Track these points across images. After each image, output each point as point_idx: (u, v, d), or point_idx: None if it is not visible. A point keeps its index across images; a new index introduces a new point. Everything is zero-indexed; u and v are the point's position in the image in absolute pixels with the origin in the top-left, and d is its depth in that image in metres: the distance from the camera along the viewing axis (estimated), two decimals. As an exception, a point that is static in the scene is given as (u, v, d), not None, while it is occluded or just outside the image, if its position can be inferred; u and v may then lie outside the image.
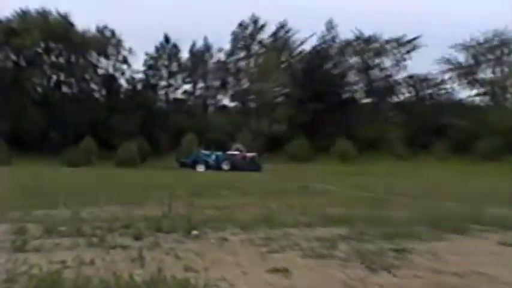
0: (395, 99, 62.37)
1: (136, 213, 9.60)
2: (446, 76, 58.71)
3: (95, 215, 9.13)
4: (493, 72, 57.11)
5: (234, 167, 39.08)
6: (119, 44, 63.79)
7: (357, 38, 62.12)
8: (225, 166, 39.82)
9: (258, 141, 52.42)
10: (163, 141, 57.08)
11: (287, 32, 66.36)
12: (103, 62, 64.24)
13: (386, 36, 60.64)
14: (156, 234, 6.94)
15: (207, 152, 42.58)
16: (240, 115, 61.34)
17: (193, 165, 40.36)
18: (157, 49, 66.32)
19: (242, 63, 67.84)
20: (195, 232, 7.18)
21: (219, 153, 42.13)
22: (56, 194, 11.57)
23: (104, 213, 9.39)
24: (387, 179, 28.92)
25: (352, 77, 63.79)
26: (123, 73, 65.19)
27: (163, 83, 66.97)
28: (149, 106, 62.85)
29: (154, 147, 55.02)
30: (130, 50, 63.87)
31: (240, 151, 42.09)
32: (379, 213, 9.80)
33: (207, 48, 68.04)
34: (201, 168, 39.85)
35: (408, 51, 60.47)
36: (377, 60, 61.93)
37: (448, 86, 59.20)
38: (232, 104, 67.83)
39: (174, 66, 67.12)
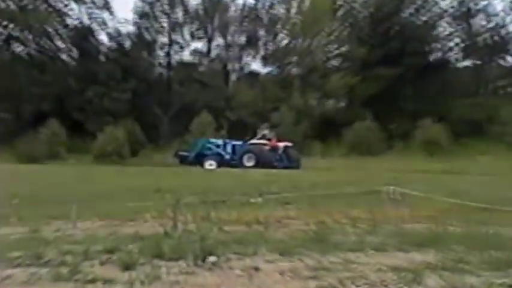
0: (509, 60, 61.29)
1: (126, 231, 9.59)
2: None
3: (64, 235, 9.08)
4: None
5: (260, 163, 37.89)
6: (96, -19, 63.61)
7: (452, -31, 60.94)
8: (247, 161, 38.86)
9: (304, 125, 52.53)
10: (164, 125, 57.90)
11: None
12: (74, 8, 64.43)
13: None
14: (154, 262, 6.79)
15: (218, 141, 42.29)
16: (276, 86, 60.79)
17: (198, 161, 39.90)
18: (153, -11, 66.26)
19: (279, 10, 67.49)
20: (211, 258, 6.95)
21: (238, 142, 41.76)
22: (8, 203, 11.80)
23: (78, 232, 9.40)
24: (497, 179, 28.41)
25: (444, 28, 62.94)
26: (103, 25, 65.53)
27: (163, 39, 67.17)
28: (143, 73, 62.62)
29: (150, 134, 55.46)
30: (113, -10, 63.88)
31: (268, 139, 40.83)
32: (484, 231, 9.63)
33: (227, -14, 67.82)
34: (211, 164, 39.35)
35: (530, -13, 58.89)
36: (482, 3, 60.78)
37: None
38: (264, 70, 67.83)
39: (179, 15, 67.04)
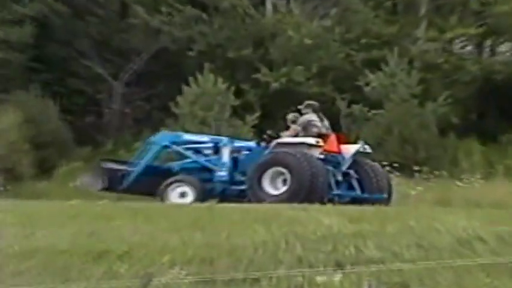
0: None
1: None
2: None
3: None
4: None
5: (300, 188, 15.03)
6: None
7: None
8: (272, 185, 16.05)
9: (443, 100, 26.06)
10: (115, 102, 30.67)
11: None
12: None
13: None
14: None
15: (202, 139, 18.26)
16: (375, 12, 29.98)
17: (150, 184, 16.76)
18: None
19: None
20: None
21: (247, 143, 18.16)
22: None
23: None
24: None
25: None
26: None
27: None
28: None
29: (84, 124, 29.86)
30: None
31: (319, 136, 16.66)
32: None
33: None
34: (183, 193, 16.46)
35: None
36: None
37: None
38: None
39: None
